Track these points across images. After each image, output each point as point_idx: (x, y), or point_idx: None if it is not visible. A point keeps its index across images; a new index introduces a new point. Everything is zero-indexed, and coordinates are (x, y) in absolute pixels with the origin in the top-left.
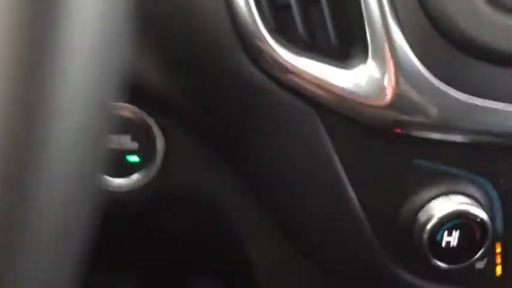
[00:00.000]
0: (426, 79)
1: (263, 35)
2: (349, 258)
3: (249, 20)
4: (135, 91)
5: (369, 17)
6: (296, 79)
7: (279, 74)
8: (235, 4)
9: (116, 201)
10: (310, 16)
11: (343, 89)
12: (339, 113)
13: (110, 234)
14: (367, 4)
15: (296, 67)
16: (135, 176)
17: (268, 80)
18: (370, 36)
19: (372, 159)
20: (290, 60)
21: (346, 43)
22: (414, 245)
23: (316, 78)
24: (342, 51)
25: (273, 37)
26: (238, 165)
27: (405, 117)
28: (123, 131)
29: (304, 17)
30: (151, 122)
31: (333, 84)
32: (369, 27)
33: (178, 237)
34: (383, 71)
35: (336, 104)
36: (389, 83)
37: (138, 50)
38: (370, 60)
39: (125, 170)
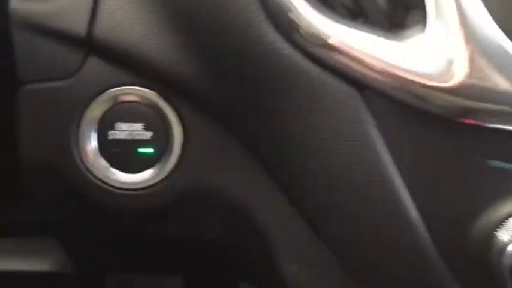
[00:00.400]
0: (508, 52)
1: (294, 0)
2: (404, 279)
3: None
4: (149, 73)
5: None
6: (336, 54)
7: (314, 48)
8: None
9: (127, 200)
10: None
11: (396, 67)
12: (390, 97)
13: (119, 236)
14: None
15: (336, 39)
16: (148, 172)
17: (302, 56)
18: None
19: (433, 158)
20: (328, 31)
21: (400, 8)
22: (490, 270)
23: (362, 52)
24: (395, 19)
25: (308, 2)
26: (267, 160)
27: (479, 104)
28: (135, 119)
29: None
30: (167, 108)
31: (383, 61)
32: None
33: (199, 241)
34: (449, 42)
35: (386, 86)
36: (457, 57)
37: (152, 28)
38: (431, 28)
39: (137, 164)
